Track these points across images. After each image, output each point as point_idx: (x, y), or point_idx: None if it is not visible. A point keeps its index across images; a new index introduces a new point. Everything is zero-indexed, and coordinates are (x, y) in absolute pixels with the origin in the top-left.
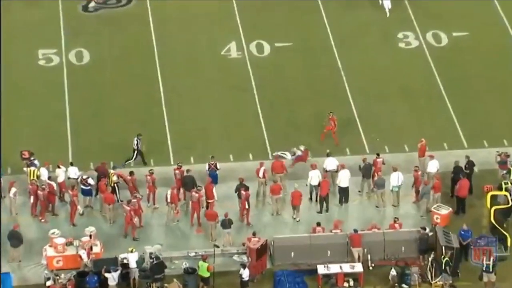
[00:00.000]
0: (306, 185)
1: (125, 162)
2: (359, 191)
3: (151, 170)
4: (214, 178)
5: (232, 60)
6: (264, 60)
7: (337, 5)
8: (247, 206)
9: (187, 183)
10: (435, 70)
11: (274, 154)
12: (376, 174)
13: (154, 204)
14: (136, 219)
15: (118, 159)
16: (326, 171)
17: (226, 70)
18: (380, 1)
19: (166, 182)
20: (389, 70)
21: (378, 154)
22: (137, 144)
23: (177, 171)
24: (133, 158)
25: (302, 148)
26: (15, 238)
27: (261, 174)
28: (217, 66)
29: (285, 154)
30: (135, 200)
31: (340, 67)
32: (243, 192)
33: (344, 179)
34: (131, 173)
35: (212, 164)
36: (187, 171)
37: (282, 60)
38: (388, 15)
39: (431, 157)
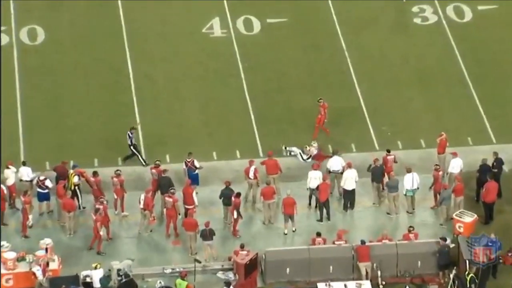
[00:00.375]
0: (307, 188)
1: (144, 163)
2: (374, 203)
3: (117, 170)
4: (193, 179)
5: (216, 39)
6: (253, 39)
7: None
8: (235, 216)
9: (163, 185)
10: (457, 50)
11: (284, 148)
12: (387, 175)
13: (122, 211)
14: (103, 231)
15: (79, 157)
16: (330, 171)
17: (208, 51)
18: None
19: (137, 185)
20: (402, 51)
21: (388, 151)
22: (130, 140)
23: (154, 171)
24: (140, 156)
25: (315, 144)
26: None
27: (251, 175)
28: (198, 47)
29: (297, 153)
30: (101, 206)
31: (344, 47)
32: (233, 198)
33: (350, 180)
34: (95, 174)
35: (189, 161)
36: (164, 171)
37: (275, 40)
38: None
39: (454, 154)
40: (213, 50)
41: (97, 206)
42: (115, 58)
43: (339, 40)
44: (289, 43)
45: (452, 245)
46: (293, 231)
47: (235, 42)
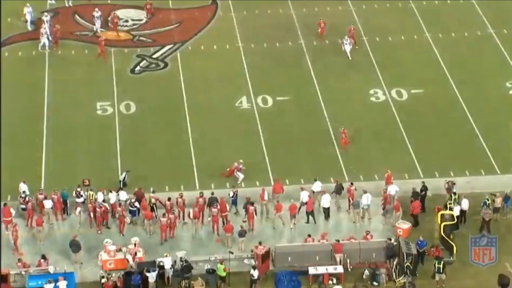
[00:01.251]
0: (300, 205)
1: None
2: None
3: None
4: None
5: (244, 110)
6: (268, 110)
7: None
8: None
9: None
10: None
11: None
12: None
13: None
14: None
15: None
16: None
17: (239, 117)
18: (342, 47)
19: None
20: None
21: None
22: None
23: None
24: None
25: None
26: (75, 245)
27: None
28: (232, 115)
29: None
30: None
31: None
32: (249, 207)
33: (325, 199)
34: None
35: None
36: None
37: (282, 110)
38: (350, 58)
39: None
40: (242, 117)
41: None
42: (179, 122)
43: (322, 112)
44: (291, 112)
45: (395, 243)
46: (291, 228)
47: (256, 112)
